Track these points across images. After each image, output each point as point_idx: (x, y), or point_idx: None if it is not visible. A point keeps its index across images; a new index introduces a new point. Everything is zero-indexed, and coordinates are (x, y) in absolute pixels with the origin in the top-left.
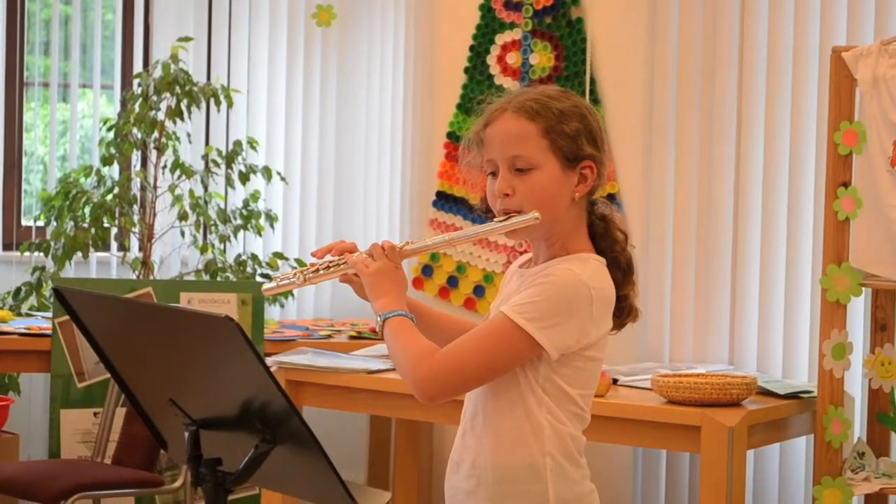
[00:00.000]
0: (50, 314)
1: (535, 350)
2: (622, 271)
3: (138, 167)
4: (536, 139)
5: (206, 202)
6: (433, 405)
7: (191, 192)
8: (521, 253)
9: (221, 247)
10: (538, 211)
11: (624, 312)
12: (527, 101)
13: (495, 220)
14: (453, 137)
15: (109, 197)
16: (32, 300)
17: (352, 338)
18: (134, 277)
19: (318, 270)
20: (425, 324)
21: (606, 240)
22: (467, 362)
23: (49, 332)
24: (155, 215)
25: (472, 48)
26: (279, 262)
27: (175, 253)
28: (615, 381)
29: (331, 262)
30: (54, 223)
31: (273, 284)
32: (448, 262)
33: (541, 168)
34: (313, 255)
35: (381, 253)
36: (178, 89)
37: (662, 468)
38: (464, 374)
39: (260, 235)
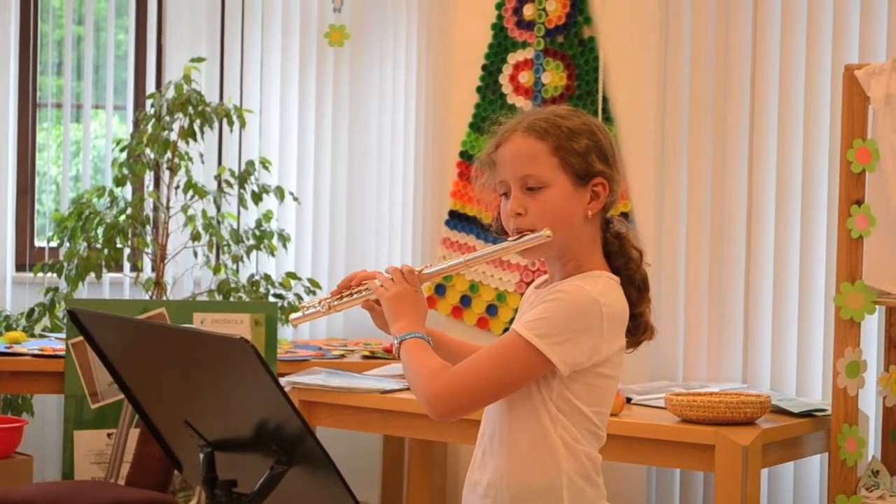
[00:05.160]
0: (63, 335)
1: (546, 366)
2: (637, 289)
3: (151, 188)
4: (546, 157)
5: (218, 222)
6: (445, 422)
7: (203, 212)
8: (534, 272)
9: (234, 267)
10: (550, 229)
11: (639, 330)
12: (536, 121)
13: (508, 239)
14: (466, 157)
15: (122, 217)
16: (46, 321)
17: (365, 357)
18: (147, 298)
19: (341, 297)
20: (444, 350)
21: (621, 257)
22: (478, 379)
23: (62, 353)
24: (168, 236)
25: (484, 67)
26: (292, 282)
27: (188, 273)
28: (629, 400)
29: (353, 289)
30: (67, 244)
31: (300, 314)
32: (461, 282)
33: (552, 186)
34: (333, 294)
35: (401, 277)
36: (190, 109)
37: (676, 487)
38: (475, 390)
39: (273, 255)
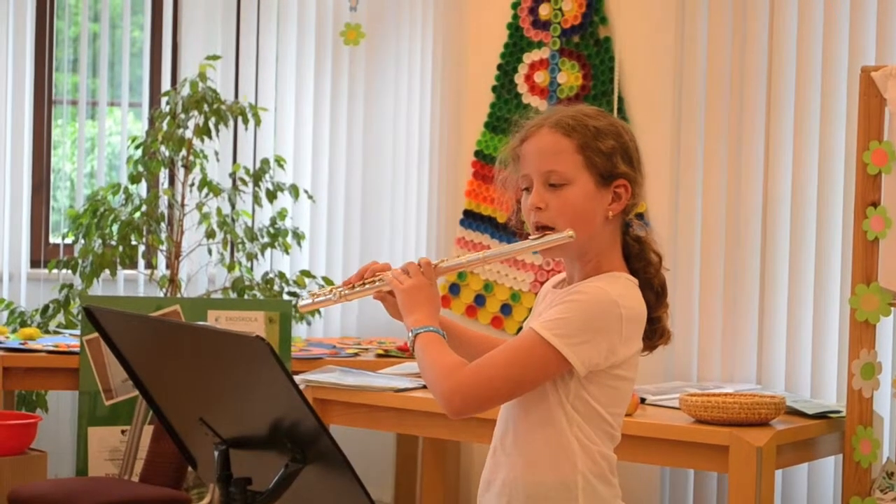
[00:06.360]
0: (78, 332)
1: (564, 366)
2: (655, 293)
3: (166, 185)
4: (571, 155)
5: (233, 220)
6: (460, 419)
7: (218, 210)
8: (548, 272)
9: (249, 265)
10: (571, 228)
11: (656, 334)
12: (563, 118)
13: (530, 237)
14: (481, 156)
15: (137, 215)
16: (60, 318)
17: (379, 356)
18: (161, 295)
19: (353, 287)
20: (457, 342)
21: (640, 261)
22: (495, 376)
23: (77, 349)
24: (182, 233)
25: (499, 67)
26: (306, 280)
27: (202, 271)
28: (643, 401)
29: (366, 279)
30: (82, 241)
31: (308, 301)
32: (475, 281)
33: (574, 184)
34: (346, 283)
35: (417, 269)
36: (205, 107)
37: (690, 488)
38: (491, 388)
39: (287, 253)
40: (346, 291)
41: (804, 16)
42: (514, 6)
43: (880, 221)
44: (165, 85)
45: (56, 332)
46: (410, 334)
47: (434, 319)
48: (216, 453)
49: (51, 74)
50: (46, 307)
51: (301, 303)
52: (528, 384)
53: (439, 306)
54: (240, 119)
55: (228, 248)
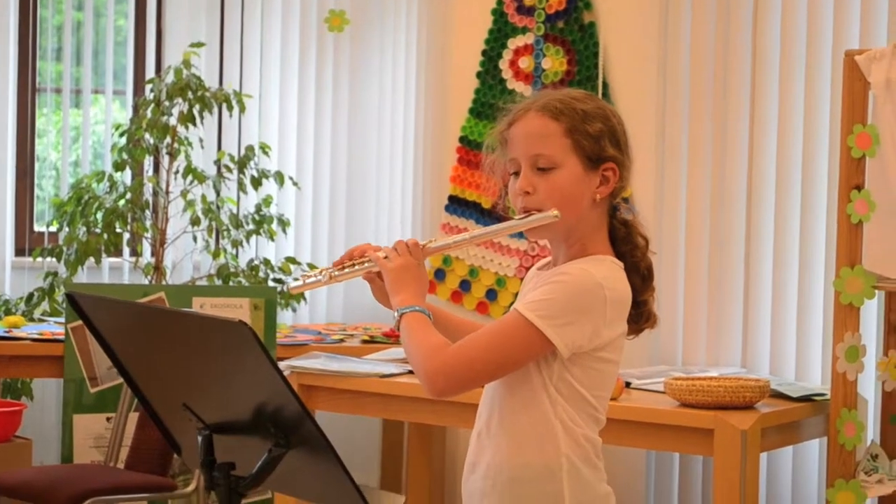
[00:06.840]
0: (62, 319)
1: (547, 347)
2: (641, 277)
3: (151, 172)
4: (559, 138)
5: (218, 207)
6: (443, 399)
7: (203, 197)
8: (534, 257)
9: (234, 252)
10: (558, 209)
11: (642, 318)
12: (551, 101)
13: (516, 217)
14: (465, 142)
15: (122, 202)
16: (45, 305)
17: (364, 342)
18: (146, 282)
19: (343, 268)
20: (442, 327)
21: (627, 244)
22: (477, 357)
23: (62, 337)
24: (167, 220)
25: (484, 53)
26: (291, 266)
27: (187, 258)
28: (628, 385)
29: (355, 260)
30: (67, 229)
31: (299, 282)
32: (461, 266)
33: (562, 167)
34: (335, 264)
35: (405, 249)
36: (190, 94)
37: (675, 471)
38: (473, 368)
39: (272, 240)
40: (336, 272)
41: (788, 0)
42: None
43: (864, 205)
44: (150, 73)
45: (41, 320)
46: (396, 313)
47: (420, 299)
48: (200, 439)
49: (34, 63)
50: (31, 295)
51: (292, 285)
52: (510, 365)
53: (426, 287)
54: (224, 106)
55: (213, 235)
